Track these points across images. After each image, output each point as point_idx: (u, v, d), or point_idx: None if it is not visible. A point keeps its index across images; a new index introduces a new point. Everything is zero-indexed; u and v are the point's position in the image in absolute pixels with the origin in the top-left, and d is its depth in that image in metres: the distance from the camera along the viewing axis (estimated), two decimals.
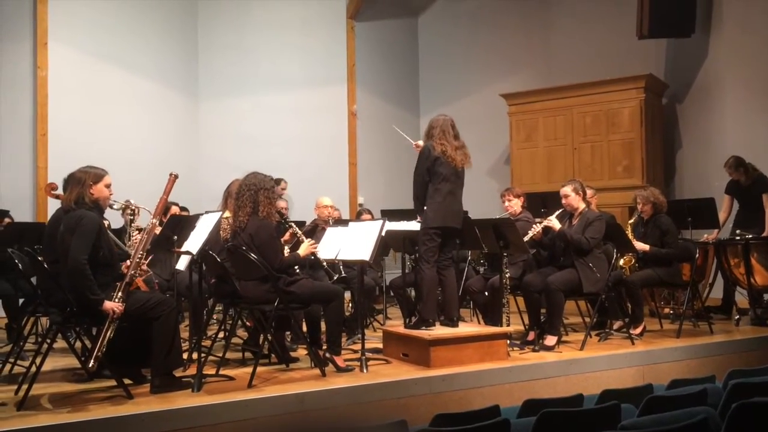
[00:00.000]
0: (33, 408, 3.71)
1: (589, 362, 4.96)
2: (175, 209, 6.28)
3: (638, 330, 5.73)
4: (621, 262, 5.97)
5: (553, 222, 5.40)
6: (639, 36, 7.99)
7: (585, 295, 5.37)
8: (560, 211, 5.55)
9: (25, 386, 3.86)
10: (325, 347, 4.69)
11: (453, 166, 4.99)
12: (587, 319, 6.00)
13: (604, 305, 5.70)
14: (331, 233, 5.08)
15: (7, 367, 4.55)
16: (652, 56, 8.63)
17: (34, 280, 4.86)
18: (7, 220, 5.91)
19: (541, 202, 7.19)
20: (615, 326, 5.94)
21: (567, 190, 5.57)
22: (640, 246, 5.80)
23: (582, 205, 5.56)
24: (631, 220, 6.29)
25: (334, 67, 9.48)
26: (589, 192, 6.07)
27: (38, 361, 3.98)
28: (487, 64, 9.89)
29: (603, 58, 8.78)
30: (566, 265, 5.38)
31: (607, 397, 3.46)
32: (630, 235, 5.93)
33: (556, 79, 9.00)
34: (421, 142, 5.23)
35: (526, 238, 5.35)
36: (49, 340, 4.09)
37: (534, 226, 5.51)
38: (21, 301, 5.94)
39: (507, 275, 5.26)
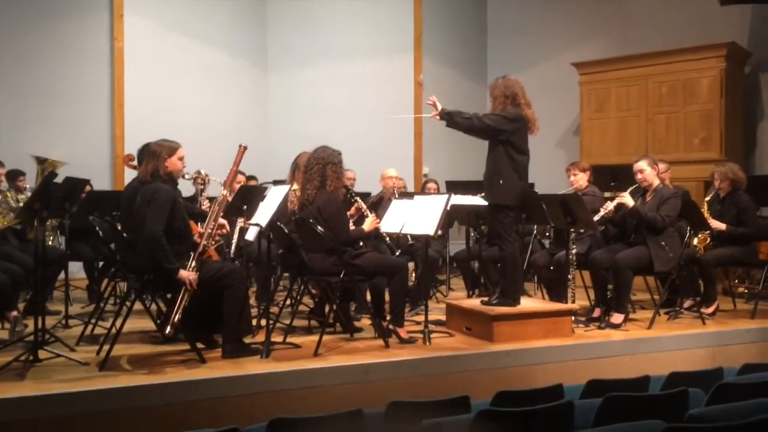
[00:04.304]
0: (113, 369, 3.92)
1: (657, 342, 4.86)
2: (241, 178, 6.43)
3: (710, 309, 5.57)
4: (695, 241, 5.77)
5: (626, 199, 5.25)
6: (721, 2, 7.58)
7: (655, 273, 5.24)
8: (634, 187, 5.39)
9: (105, 347, 4.09)
10: (388, 318, 4.77)
11: (529, 133, 4.81)
12: (656, 297, 5.86)
13: (674, 283, 5.54)
14: (396, 206, 5.10)
15: (88, 328, 4.80)
16: (736, 23, 8.17)
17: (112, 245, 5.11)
18: (87, 187, 6.18)
19: (611, 176, 7.01)
20: (686, 305, 5.76)
21: (642, 165, 5.38)
22: (717, 225, 5.59)
23: (656, 181, 5.38)
24: (708, 198, 6.06)
25: (401, 36, 9.39)
26: (662, 166, 5.87)
27: (118, 323, 4.20)
28: (558, 31, 9.59)
29: (682, 25, 8.37)
30: (637, 242, 5.24)
31: (675, 381, 3.40)
32: (706, 213, 5.72)
33: (631, 48, 8.65)
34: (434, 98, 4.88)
35: (597, 217, 5.23)
36: (129, 304, 4.31)
37: (606, 203, 5.36)
38: (101, 264, 6.26)
39: (573, 251, 5.18)
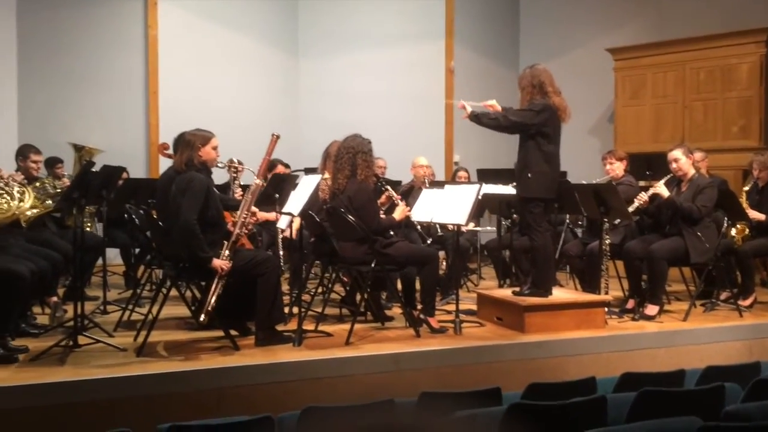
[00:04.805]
0: (150, 355, 4.00)
1: (692, 334, 4.79)
2: (281, 168, 6.47)
3: (748, 301, 5.46)
4: (733, 232, 5.66)
5: (661, 189, 5.15)
6: None
7: (691, 264, 5.15)
8: (669, 176, 5.29)
9: (143, 333, 4.17)
10: (419, 308, 4.78)
11: (559, 122, 4.74)
12: (692, 288, 5.77)
13: (711, 274, 5.45)
14: (427, 195, 5.09)
15: (126, 314, 4.89)
16: None
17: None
18: (124, 175, 6.28)
19: (646, 164, 6.89)
20: (722, 296, 5.67)
21: (677, 153, 5.27)
22: (755, 215, 5.47)
23: (692, 171, 5.27)
24: (746, 187, 5.92)
25: (432, 23, 9.32)
26: (699, 155, 5.75)
27: (154, 310, 4.28)
28: (592, 16, 9.40)
29: (720, 9, 8.15)
30: (672, 233, 5.15)
31: (711, 375, 3.36)
32: (744, 203, 5.59)
33: (668, 32, 8.45)
34: (494, 102, 4.81)
35: (632, 208, 5.15)
36: (165, 290, 4.39)
37: (641, 194, 5.27)
38: (137, 250, 6.37)
39: (607, 241, 5.11)
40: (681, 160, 5.25)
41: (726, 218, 5.38)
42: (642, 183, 6.30)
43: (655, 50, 8.28)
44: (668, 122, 8.16)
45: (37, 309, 4.91)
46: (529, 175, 4.70)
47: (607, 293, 5.08)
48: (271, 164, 6.41)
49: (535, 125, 4.66)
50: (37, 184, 5.27)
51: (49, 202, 5.23)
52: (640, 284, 5.35)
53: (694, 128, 7.90)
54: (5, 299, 3.75)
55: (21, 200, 4.56)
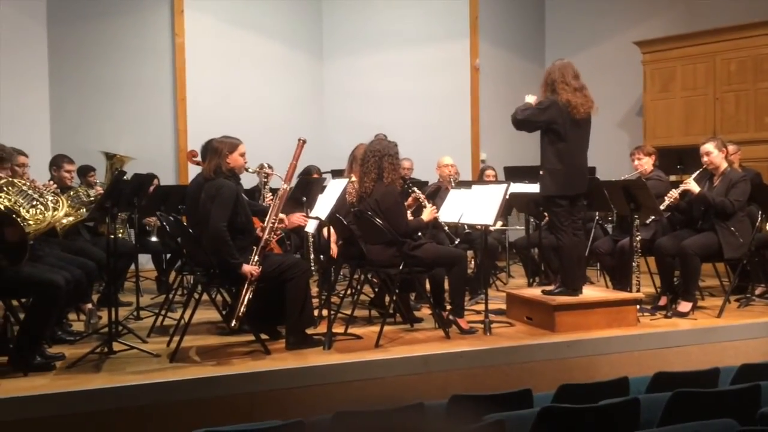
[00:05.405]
0: (183, 360, 4.06)
1: (727, 331, 4.71)
2: (316, 175, 6.50)
3: None
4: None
5: (692, 185, 5.06)
6: None
7: (725, 260, 5.06)
8: (700, 171, 5.19)
9: (175, 338, 4.24)
10: (448, 309, 4.77)
11: (573, 117, 4.62)
12: (726, 283, 5.66)
13: (745, 268, 5.34)
14: (454, 196, 5.08)
15: (158, 319, 4.97)
16: None
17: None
18: (155, 182, 6.37)
19: (677, 158, 6.76)
20: (757, 291, 5.57)
21: (709, 147, 5.17)
22: None
23: (724, 164, 5.17)
24: None
25: (456, 21, 9.28)
26: (731, 148, 5.64)
27: (186, 315, 4.34)
28: (619, 8, 9.27)
29: None
30: (704, 228, 5.06)
31: (747, 373, 3.30)
32: None
33: (697, 24, 8.29)
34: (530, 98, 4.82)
35: (663, 205, 5.07)
36: (196, 296, 4.45)
37: (671, 191, 5.18)
38: (168, 256, 6.46)
39: (638, 237, 5.05)
40: (713, 154, 5.15)
41: (760, 212, 5.26)
42: (673, 177, 6.21)
43: (684, 42, 8.14)
44: (699, 115, 8.01)
45: (72, 316, 5.01)
46: (541, 172, 4.72)
47: (638, 290, 5.01)
48: (306, 171, 6.48)
49: (542, 122, 4.65)
50: (71, 192, 5.38)
51: (83, 210, 5.33)
52: (673, 281, 5.28)
53: (725, 120, 7.75)
54: (42, 308, 3.84)
55: (55, 209, 4.66)
